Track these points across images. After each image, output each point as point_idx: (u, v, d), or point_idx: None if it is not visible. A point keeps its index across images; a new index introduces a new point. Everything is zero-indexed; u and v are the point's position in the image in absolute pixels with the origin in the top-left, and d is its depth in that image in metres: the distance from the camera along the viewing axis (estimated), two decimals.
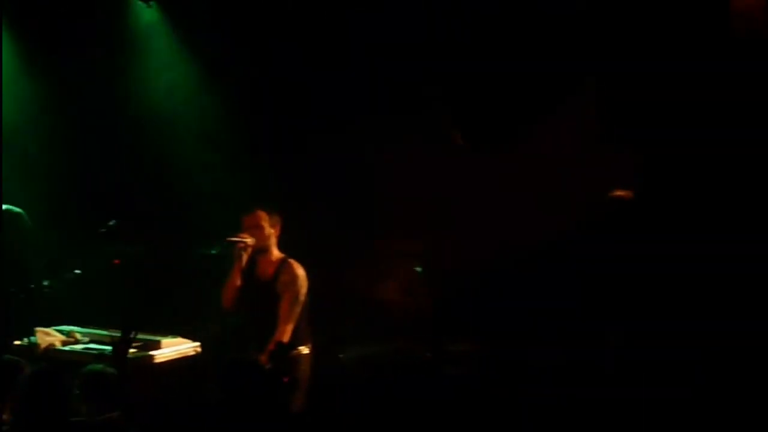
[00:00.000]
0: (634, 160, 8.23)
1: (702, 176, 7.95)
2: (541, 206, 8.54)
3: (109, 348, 7.21)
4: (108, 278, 7.88)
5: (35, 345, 7.81)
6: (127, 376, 6.54)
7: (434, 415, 7.72)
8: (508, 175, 8.70)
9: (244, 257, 7.69)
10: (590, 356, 8.15)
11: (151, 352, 7.72)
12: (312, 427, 7.44)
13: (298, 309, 7.62)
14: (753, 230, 7.81)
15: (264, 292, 7.67)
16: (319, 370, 7.83)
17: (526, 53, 8.62)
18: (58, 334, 8.00)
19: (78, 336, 8.03)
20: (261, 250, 7.73)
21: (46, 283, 8.18)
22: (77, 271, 8.24)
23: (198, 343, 8.01)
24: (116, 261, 7.64)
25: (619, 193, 8.21)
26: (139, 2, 9.69)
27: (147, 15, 9.77)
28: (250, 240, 7.66)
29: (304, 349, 7.68)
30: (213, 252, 8.78)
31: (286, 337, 7.46)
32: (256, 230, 7.69)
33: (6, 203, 8.44)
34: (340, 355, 8.57)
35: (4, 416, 6.18)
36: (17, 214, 8.46)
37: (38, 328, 7.93)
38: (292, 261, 7.74)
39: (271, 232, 7.76)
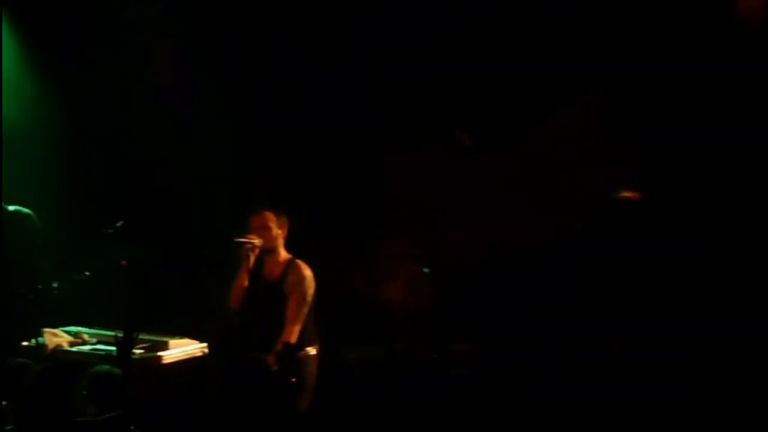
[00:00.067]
0: (637, 161, 8.25)
1: (706, 176, 7.97)
2: (542, 206, 8.57)
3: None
4: (115, 279, 7.87)
5: (43, 346, 7.80)
6: (131, 376, 6.51)
7: (439, 416, 7.75)
8: (509, 175, 8.72)
9: (252, 258, 7.70)
10: (591, 356, 8.18)
11: (159, 353, 7.72)
12: (317, 427, 7.46)
13: (305, 310, 7.65)
14: (755, 231, 7.86)
15: (271, 293, 7.70)
16: (325, 371, 7.85)
17: (527, 53, 8.64)
18: (65, 335, 8.00)
19: (85, 337, 8.03)
20: (268, 251, 7.75)
21: (55, 285, 8.17)
22: (87, 273, 8.22)
23: (205, 344, 8.01)
24: (124, 262, 7.64)
25: (626, 194, 8.24)
26: None
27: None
28: (257, 241, 7.68)
29: (311, 350, 7.71)
30: (213, 252, 8.78)
31: (293, 338, 7.49)
32: (264, 231, 7.71)
33: (15, 204, 8.44)
34: (345, 356, 8.59)
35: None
36: (27, 215, 8.45)
37: (46, 329, 7.93)
38: (299, 262, 7.76)
39: (279, 233, 7.78)
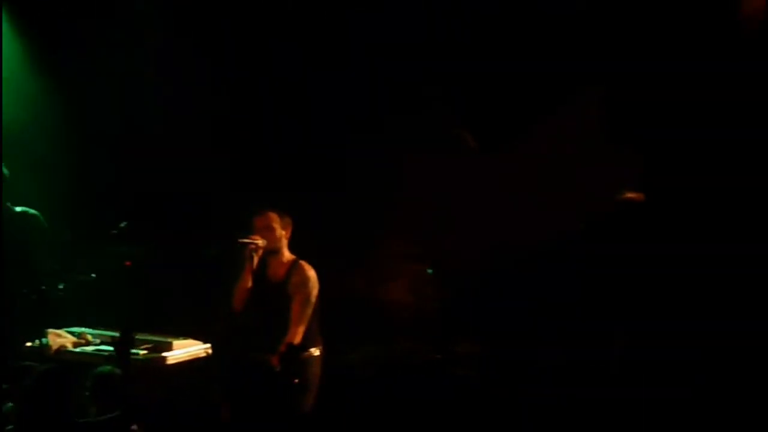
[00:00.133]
0: (637, 161, 8.27)
1: (706, 176, 8.00)
2: (543, 206, 8.58)
3: None
4: (119, 280, 7.86)
5: (47, 346, 7.78)
6: (130, 376, 6.52)
7: (440, 416, 7.76)
8: (509, 175, 8.74)
9: (255, 259, 7.70)
10: (592, 356, 8.20)
11: (163, 354, 7.70)
12: (319, 427, 7.48)
13: (309, 310, 7.64)
14: (755, 231, 7.89)
15: (275, 293, 7.69)
16: (327, 371, 7.86)
17: (527, 53, 8.65)
18: (69, 336, 7.97)
19: (89, 337, 8.01)
20: (272, 251, 7.74)
21: (61, 286, 8.17)
22: (93, 275, 8.22)
23: (209, 345, 8.01)
24: (128, 263, 7.64)
25: (630, 195, 8.26)
26: None
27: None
28: (261, 242, 7.66)
29: (315, 351, 7.70)
30: (213, 252, 8.77)
31: (297, 339, 7.48)
32: (268, 232, 7.70)
33: (21, 205, 8.43)
34: (346, 356, 8.60)
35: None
36: (33, 215, 8.43)
37: (49, 330, 7.91)
38: (303, 263, 7.76)
39: (282, 234, 7.78)
